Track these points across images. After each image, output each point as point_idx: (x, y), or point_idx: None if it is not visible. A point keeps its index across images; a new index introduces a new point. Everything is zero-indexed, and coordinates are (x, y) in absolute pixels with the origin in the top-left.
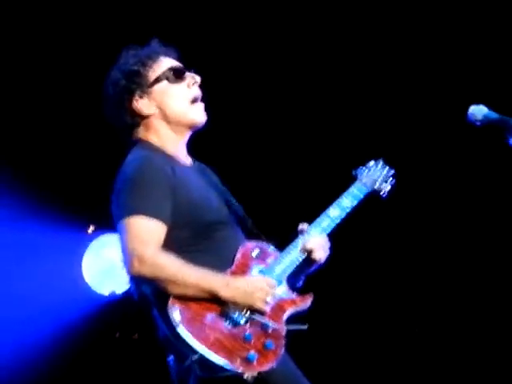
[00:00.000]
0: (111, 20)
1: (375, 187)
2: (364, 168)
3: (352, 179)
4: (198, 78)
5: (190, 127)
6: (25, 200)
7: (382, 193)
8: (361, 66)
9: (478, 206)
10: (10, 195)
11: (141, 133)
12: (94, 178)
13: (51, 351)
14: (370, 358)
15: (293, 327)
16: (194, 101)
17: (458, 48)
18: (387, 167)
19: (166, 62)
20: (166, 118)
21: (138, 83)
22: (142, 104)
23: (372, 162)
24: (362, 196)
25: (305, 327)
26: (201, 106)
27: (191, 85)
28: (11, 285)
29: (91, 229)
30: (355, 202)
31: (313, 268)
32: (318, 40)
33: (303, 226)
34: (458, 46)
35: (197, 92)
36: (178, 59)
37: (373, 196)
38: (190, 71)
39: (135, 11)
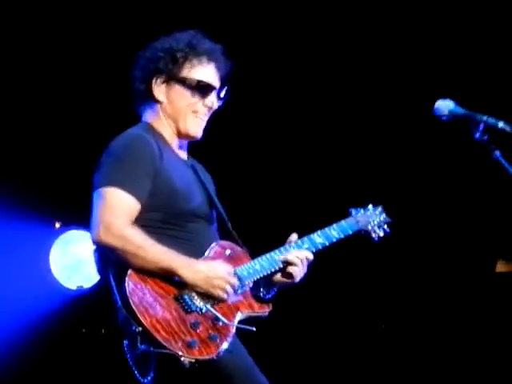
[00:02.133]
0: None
1: (367, 228)
2: (361, 209)
3: (346, 215)
4: (215, 105)
5: (182, 134)
6: None
7: (373, 235)
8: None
9: (442, 199)
10: None
11: (147, 115)
12: (62, 174)
13: (18, 346)
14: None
15: (242, 326)
16: (196, 112)
17: (424, 44)
18: (385, 214)
19: (204, 72)
20: (168, 114)
21: (169, 69)
22: (156, 88)
23: (370, 206)
24: (350, 232)
25: (253, 329)
26: (200, 121)
27: (206, 104)
28: None
29: (58, 224)
30: (341, 236)
31: (287, 284)
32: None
33: (293, 237)
34: (426, 41)
35: (204, 112)
36: (223, 76)
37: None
38: (218, 91)
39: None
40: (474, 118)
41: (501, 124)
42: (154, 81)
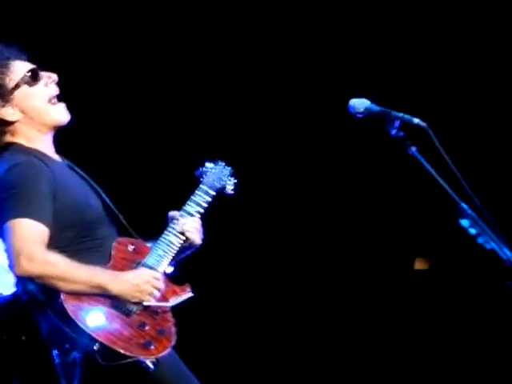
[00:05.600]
0: None
1: (220, 185)
2: (204, 168)
3: (195, 180)
4: (54, 76)
5: (53, 126)
6: None
7: (227, 190)
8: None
9: (361, 197)
10: None
11: (7, 138)
12: None
13: None
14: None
15: (177, 302)
16: (52, 99)
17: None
18: (226, 166)
19: (21, 66)
20: (31, 121)
21: None
22: (5, 113)
23: (211, 164)
24: (213, 192)
25: (189, 294)
26: (61, 105)
27: (48, 84)
28: None
29: None
30: (208, 198)
31: (187, 252)
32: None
33: (174, 213)
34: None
35: (53, 90)
36: (29, 59)
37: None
38: (44, 70)
39: None
40: (389, 115)
41: (416, 120)
42: None
